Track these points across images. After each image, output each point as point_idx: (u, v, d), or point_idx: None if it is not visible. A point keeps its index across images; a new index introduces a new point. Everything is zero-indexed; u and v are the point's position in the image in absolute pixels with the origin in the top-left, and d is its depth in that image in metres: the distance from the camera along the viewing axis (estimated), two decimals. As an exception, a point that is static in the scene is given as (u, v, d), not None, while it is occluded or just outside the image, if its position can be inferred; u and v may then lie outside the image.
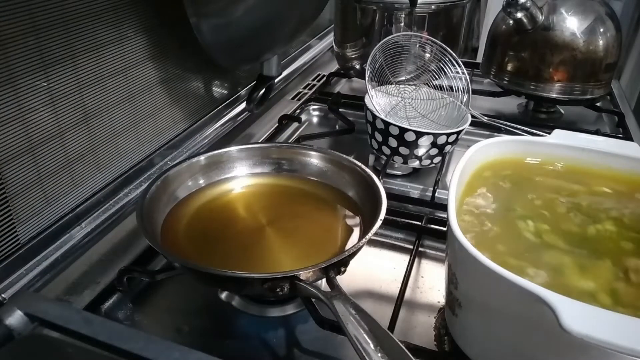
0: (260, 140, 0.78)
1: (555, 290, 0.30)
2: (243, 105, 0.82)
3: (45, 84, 0.49)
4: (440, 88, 0.73)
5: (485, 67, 0.90)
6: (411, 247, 0.55)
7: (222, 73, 0.78)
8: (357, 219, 0.50)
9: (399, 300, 0.47)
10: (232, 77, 0.82)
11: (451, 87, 0.71)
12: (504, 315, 0.36)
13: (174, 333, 0.45)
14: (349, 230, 0.49)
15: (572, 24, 0.78)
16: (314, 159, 0.56)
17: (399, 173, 0.70)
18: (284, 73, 0.93)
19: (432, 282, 0.52)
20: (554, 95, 0.82)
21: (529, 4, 0.76)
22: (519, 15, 0.78)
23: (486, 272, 0.33)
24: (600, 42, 0.78)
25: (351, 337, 0.34)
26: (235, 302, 0.48)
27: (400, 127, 0.62)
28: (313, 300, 0.44)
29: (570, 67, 0.79)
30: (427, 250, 0.56)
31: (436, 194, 0.62)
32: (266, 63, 0.78)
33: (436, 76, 0.73)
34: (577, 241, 0.40)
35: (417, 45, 0.74)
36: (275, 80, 0.81)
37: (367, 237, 0.42)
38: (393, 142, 0.64)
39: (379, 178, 0.51)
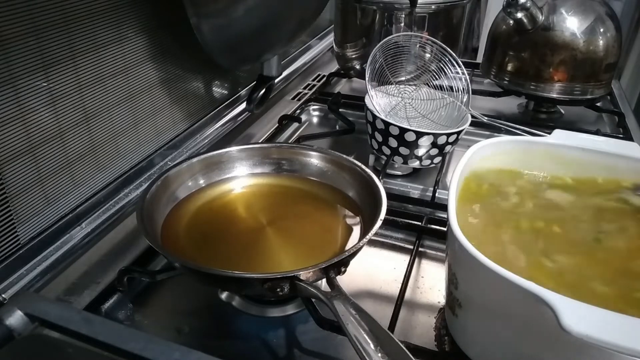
0: (260, 141, 0.78)
1: (556, 290, 0.30)
2: (243, 105, 0.82)
3: (45, 84, 0.49)
4: (441, 88, 0.73)
5: (485, 67, 0.90)
6: (411, 247, 0.55)
7: (222, 73, 0.78)
8: (357, 219, 0.50)
9: (399, 301, 0.47)
10: (232, 77, 0.82)
11: (451, 87, 0.71)
12: (504, 316, 0.36)
13: (174, 333, 0.45)
14: (349, 230, 0.49)
15: (572, 24, 0.78)
16: (314, 159, 0.56)
17: (399, 173, 0.70)
18: (284, 73, 0.93)
19: (432, 282, 0.52)
20: (554, 96, 0.82)
21: (529, 4, 0.76)
22: (519, 15, 0.78)
23: (486, 272, 0.33)
24: (600, 42, 0.78)
25: (351, 337, 0.34)
26: (235, 302, 0.48)
27: (400, 127, 0.62)
28: (313, 300, 0.44)
29: (570, 67, 0.79)
30: (427, 251, 0.56)
31: (436, 194, 0.62)
32: (266, 63, 0.78)
33: (436, 76, 0.73)
34: (578, 241, 0.40)
35: (417, 46, 0.74)
36: (276, 81, 0.81)
37: (367, 237, 0.42)
38: (393, 142, 0.64)
39: (379, 178, 0.50)
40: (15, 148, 0.47)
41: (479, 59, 0.99)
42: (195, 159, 0.54)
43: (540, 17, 0.79)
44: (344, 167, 0.54)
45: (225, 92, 0.81)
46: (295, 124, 0.85)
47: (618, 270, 0.38)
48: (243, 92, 0.85)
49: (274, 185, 0.56)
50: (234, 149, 0.56)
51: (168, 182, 0.51)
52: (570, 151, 0.49)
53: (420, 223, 0.58)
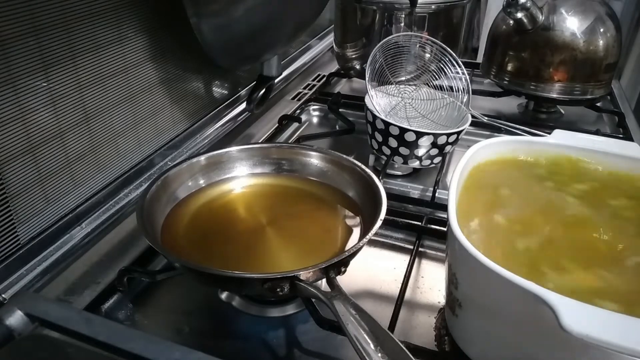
0: (260, 141, 0.78)
1: (555, 289, 0.30)
2: (243, 105, 0.82)
3: (45, 84, 0.49)
4: (441, 88, 0.73)
5: (485, 68, 0.90)
6: (411, 247, 0.55)
7: (222, 73, 0.78)
8: (357, 219, 0.50)
9: (399, 301, 0.47)
10: (232, 77, 0.82)
11: (451, 87, 0.71)
12: (504, 316, 0.36)
13: (174, 333, 0.45)
14: (349, 231, 0.49)
15: (572, 24, 0.78)
16: (314, 159, 0.56)
17: (399, 173, 0.70)
18: (284, 73, 0.93)
19: (432, 282, 0.52)
20: (554, 96, 0.82)
21: (529, 4, 0.76)
22: (519, 15, 0.78)
23: (486, 272, 0.33)
24: (601, 42, 0.78)
25: (351, 337, 0.34)
26: (235, 302, 0.48)
27: (400, 127, 0.62)
28: (313, 300, 0.44)
29: (570, 67, 0.79)
30: (427, 251, 0.56)
31: (436, 194, 0.62)
32: (266, 63, 0.78)
33: (436, 76, 0.73)
34: (577, 241, 0.40)
35: (417, 46, 0.74)
36: (276, 81, 0.81)
37: (368, 237, 0.42)
38: (393, 142, 0.64)
39: (379, 178, 0.51)
40: (15, 148, 0.47)
41: (479, 59, 0.99)
42: (195, 159, 0.54)
43: (540, 17, 0.79)
44: (344, 167, 0.54)
45: (225, 92, 0.81)
46: (295, 124, 0.85)
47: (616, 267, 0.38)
48: (243, 92, 0.85)
49: (274, 185, 0.56)
50: (234, 149, 0.56)
51: (168, 182, 0.51)
52: (570, 151, 0.49)
53: (420, 223, 0.58)
